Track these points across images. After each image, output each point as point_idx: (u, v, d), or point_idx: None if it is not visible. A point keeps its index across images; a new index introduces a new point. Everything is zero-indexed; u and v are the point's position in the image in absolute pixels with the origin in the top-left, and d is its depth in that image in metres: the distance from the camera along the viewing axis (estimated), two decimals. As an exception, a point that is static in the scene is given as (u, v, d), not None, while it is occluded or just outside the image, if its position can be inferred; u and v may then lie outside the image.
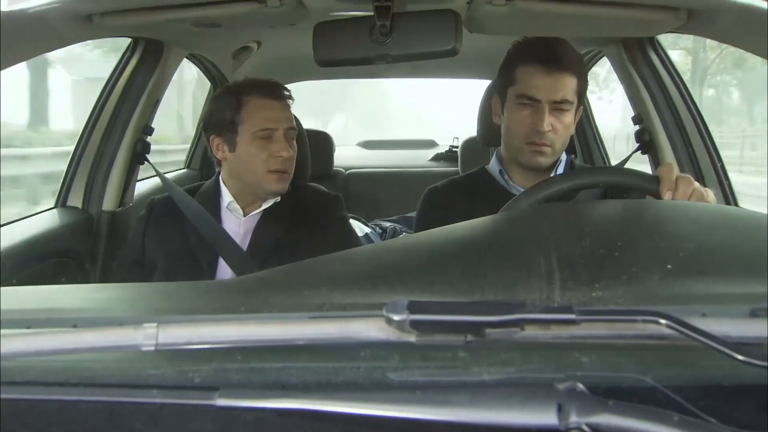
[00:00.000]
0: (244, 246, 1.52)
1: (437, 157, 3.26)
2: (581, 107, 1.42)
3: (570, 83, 1.34)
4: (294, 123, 1.52)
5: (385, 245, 1.34)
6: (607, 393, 0.49)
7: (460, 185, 1.50)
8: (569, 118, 1.36)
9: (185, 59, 2.10)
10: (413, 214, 1.60)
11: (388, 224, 2.31)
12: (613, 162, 2.38)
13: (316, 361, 0.55)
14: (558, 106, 1.33)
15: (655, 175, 1.01)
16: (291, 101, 1.54)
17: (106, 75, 1.92)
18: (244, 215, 1.55)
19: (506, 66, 1.40)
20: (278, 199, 1.55)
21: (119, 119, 1.87)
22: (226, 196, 1.55)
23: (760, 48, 1.20)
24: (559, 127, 1.35)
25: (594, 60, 2.20)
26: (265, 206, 1.54)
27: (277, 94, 1.51)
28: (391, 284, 0.65)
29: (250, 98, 1.49)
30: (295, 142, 1.52)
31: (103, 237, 1.87)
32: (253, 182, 1.51)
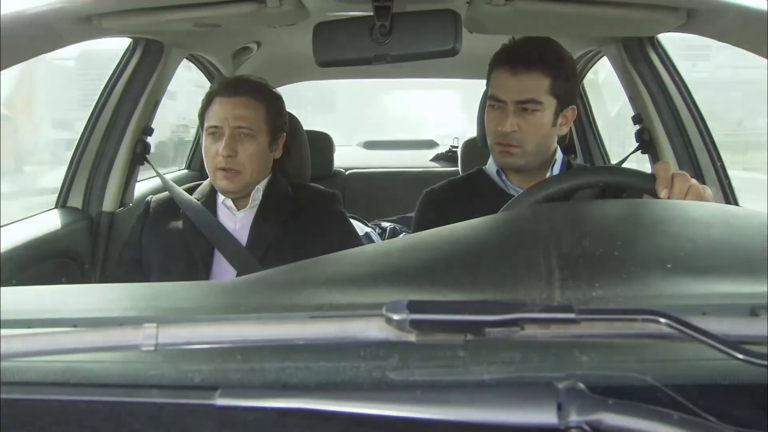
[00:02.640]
0: (242, 241, 1.53)
1: (437, 158, 3.26)
2: (573, 107, 1.41)
3: (538, 82, 1.34)
4: (245, 123, 1.49)
5: (385, 245, 1.34)
6: (607, 392, 0.49)
7: (457, 186, 1.50)
8: (541, 119, 1.35)
9: (185, 59, 2.10)
10: (413, 214, 1.60)
11: (387, 224, 2.31)
12: (614, 161, 2.38)
13: (316, 360, 0.55)
14: (524, 106, 1.34)
15: (652, 174, 1.01)
16: (253, 98, 1.52)
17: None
18: (239, 209, 1.56)
19: (488, 70, 1.42)
20: (260, 188, 1.56)
21: (119, 120, 1.87)
22: (221, 194, 1.57)
23: (760, 48, 1.20)
24: (527, 128, 1.34)
25: (594, 60, 2.20)
26: (254, 199, 1.55)
27: (229, 92, 1.52)
28: (391, 284, 0.65)
29: (214, 96, 1.53)
30: (249, 140, 1.50)
31: (103, 237, 1.87)
32: (212, 180, 1.55)
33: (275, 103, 1.59)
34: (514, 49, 1.37)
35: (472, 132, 2.12)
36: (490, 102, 1.38)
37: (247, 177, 1.51)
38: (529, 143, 1.36)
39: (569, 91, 1.39)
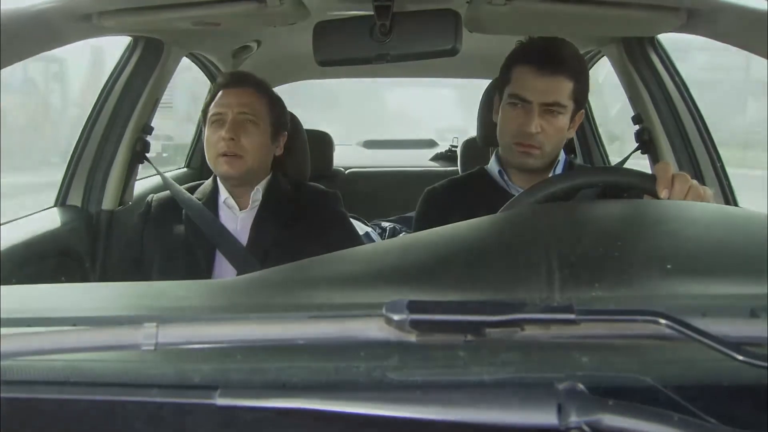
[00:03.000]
0: (243, 242, 1.52)
1: (437, 157, 3.26)
2: (582, 111, 1.41)
3: (564, 86, 1.33)
4: (249, 109, 1.52)
5: (385, 245, 1.34)
6: (607, 393, 0.49)
7: (459, 186, 1.50)
8: (562, 122, 1.35)
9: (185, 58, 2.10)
10: (413, 213, 1.60)
11: (387, 224, 2.31)
12: (614, 161, 2.39)
13: (316, 360, 0.55)
14: (549, 109, 1.33)
15: (652, 174, 1.01)
16: (257, 90, 1.55)
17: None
18: (241, 209, 1.56)
19: (505, 65, 1.40)
20: (260, 188, 1.56)
21: (119, 118, 1.87)
22: (223, 192, 1.57)
23: (760, 48, 1.20)
24: (550, 130, 1.34)
25: (594, 60, 2.20)
26: (254, 200, 1.55)
27: (235, 82, 1.55)
28: (391, 284, 0.65)
29: (220, 89, 1.56)
30: (253, 127, 1.52)
31: (102, 236, 1.87)
32: (213, 168, 1.55)
33: (277, 101, 1.61)
34: (541, 49, 1.35)
35: (467, 125, 2.13)
36: (512, 100, 1.36)
37: (248, 162, 1.51)
38: (548, 145, 1.35)
39: (585, 96, 1.39)
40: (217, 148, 1.50)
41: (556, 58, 1.33)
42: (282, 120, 1.61)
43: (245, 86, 1.54)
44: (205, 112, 1.56)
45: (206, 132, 1.54)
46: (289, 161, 1.72)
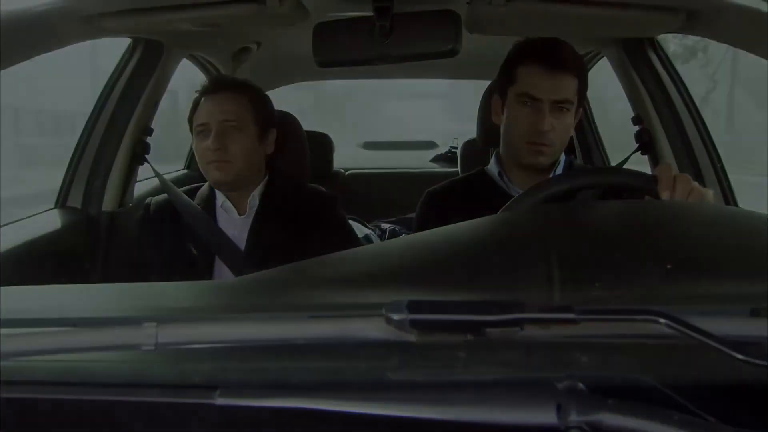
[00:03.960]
0: (242, 246, 1.52)
1: (437, 158, 3.26)
2: (581, 108, 1.42)
3: (571, 83, 1.34)
4: (231, 115, 1.50)
5: (384, 245, 1.34)
6: (607, 392, 0.49)
7: (458, 187, 1.49)
8: (569, 119, 1.36)
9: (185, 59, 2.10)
10: (413, 215, 1.59)
11: (387, 225, 2.31)
12: (613, 162, 2.38)
13: (316, 360, 0.55)
14: (559, 106, 1.33)
15: (654, 175, 1.01)
16: (236, 93, 1.53)
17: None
18: (239, 214, 1.55)
19: (507, 66, 1.40)
20: (256, 194, 1.55)
21: (119, 120, 1.86)
22: (219, 197, 1.57)
23: (760, 48, 1.20)
24: (559, 127, 1.34)
25: (594, 60, 2.21)
26: (251, 206, 1.55)
27: (213, 89, 1.54)
28: (391, 284, 0.65)
29: (200, 97, 1.54)
30: (237, 132, 1.50)
31: (102, 237, 1.87)
32: (205, 175, 1.54)
33: (259, 98, 1.59)
34: (547, 48, 1.36)
35: (457, 127, 2.13)
36: (521, 99, 1.35)
37: (239, 166, 1.50)
38: (558, 142, 1.36)
39: (585, 93, 1.40)
40: (205, 158, 1.50)
41: (562, 56, 1.34)
42: (267, 117, 1.59)
43: (224, 91, 1.53)
44: (190, 121, 1.55)
45: (194, 142, 1.53)
46: (288, 162, 1.71)
